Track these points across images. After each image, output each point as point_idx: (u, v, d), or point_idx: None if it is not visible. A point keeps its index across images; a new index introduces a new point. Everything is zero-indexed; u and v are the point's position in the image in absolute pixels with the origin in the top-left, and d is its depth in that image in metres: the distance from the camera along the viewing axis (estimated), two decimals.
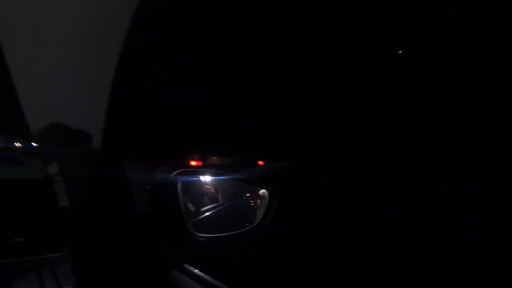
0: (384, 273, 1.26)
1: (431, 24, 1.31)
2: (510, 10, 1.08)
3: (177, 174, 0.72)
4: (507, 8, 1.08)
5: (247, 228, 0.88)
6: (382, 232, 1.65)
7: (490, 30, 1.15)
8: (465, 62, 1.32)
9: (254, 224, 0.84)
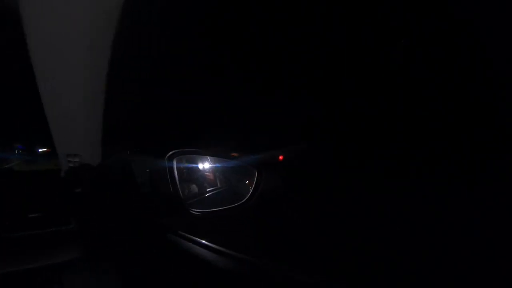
0: (384, 273, 1.26)
1: (431, 24, 1.31)
2: (510, 10, 1.08)
3: (171, 155, 0.73)
4: (507, 8, 1.08)
5: (238, 203, 0.91)
6: (382, 232, 1.64)
7: (490, 30, 1.16)
8: (465, 62, 1.32)
9: (244, 199, 0.88)
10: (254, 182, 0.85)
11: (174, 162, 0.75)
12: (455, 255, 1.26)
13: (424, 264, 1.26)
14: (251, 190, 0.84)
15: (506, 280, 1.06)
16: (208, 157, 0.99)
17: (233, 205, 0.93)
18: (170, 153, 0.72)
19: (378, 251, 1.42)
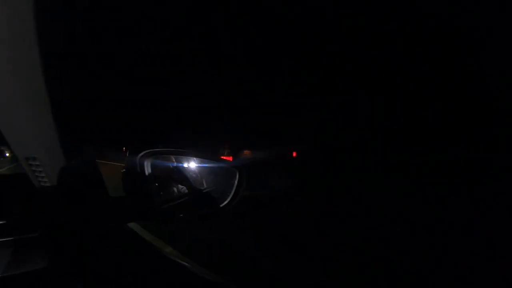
0: (384, 273, 1.26)
1: (431, 25, 1.31)
2: (510, 12, 1.08)
3: (145, 155, 0.69)
4: (507, 10, 1.08)
5: (219, 206, 0.87)
6: (381, 231, 1.65)
7: (490, 31, 1.16)
8: (465, 63, 1.32)
9: (227, 201, 0.84)
10: (236, 183, 0.82)
11: (149, 162, 0.70)
12: (455, 255, 1.27)
13: (424, 264, 1.26)
14: (232, 192, 0.81)
15: (506, 280, 1.06)
16: (188, 158, 0.95)
17: (213, 208, 0.90)
18: (144, 152, 0.68)
19: (378, 251, 1.43)
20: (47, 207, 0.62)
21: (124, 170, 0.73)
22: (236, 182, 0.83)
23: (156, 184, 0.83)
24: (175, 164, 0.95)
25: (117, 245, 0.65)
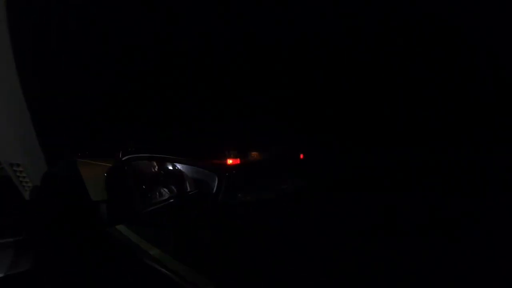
0: (384, 273, 1.26)
1: (431, 25, 1.31)
2: (510, 12, 1.08)
3: (126, 160, 0.69)
4: (507, 10, 1.08)
5: (202, 209, 0.89)
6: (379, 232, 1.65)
7: (490, 32, 1.16)
8: (465, 63, 1.32)
9: (208, 204, 0.86)
10: (215, 187, 0.82)
11: (131, 167, 0.70)
12: (455, 255, 1.27)
13: (424, 264, 1.26)
14: (213, 196, 0.82)
15: (506, 280, 1.06)
16: (172, 162, 0.95)
17: (195, 212, 0.91)
18: (126, 157, 0.68)
19: (378, 251, 1.43)
20: (30, 211, 0.63)
21: (106, 174, 0.73)
22: (215, 186, 0.84)
23: (138, 189, 0.84)
24: (158, 168, 0.95)
25: (100, 249, 0.65)
